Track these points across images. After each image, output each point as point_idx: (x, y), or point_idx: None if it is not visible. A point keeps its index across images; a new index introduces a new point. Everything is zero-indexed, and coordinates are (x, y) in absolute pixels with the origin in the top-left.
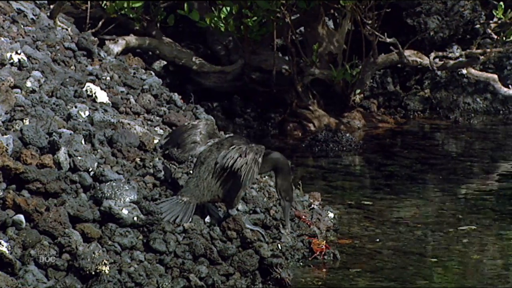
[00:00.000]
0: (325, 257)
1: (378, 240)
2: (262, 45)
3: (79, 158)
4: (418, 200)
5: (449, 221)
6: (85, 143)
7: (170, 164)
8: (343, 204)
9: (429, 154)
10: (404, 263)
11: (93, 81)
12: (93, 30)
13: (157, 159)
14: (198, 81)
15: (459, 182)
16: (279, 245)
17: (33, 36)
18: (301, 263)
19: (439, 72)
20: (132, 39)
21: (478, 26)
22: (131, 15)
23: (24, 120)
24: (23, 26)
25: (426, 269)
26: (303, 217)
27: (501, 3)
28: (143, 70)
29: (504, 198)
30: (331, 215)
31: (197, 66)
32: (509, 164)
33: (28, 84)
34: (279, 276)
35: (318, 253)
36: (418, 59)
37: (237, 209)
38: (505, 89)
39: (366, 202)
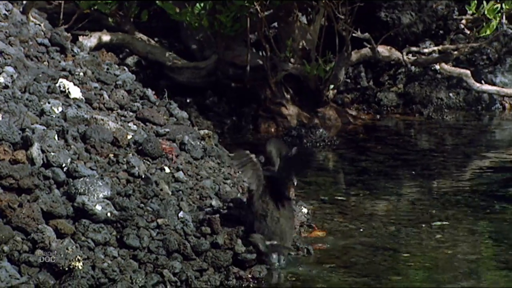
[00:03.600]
0: (299, 252)
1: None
2: (235, 41)
3: (52, 154)
4: (392, 195)
5: (422, 216)
6: (58, 138)
7: (144, 160)
8: (316, 200)
9: (403, 150)
10: (378, 258)
11: (66, 77)
12: (66, 26)
13: (130, 154)
14: (172, 76)
15: (432, 178)
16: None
17: (5, 32)
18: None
19: (412, 68)
20: (105, 34)
21: (451, 21)
22: (104, 11)
23: None
24: None
25: (399, 264)
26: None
27: None
28: (117, 66)
29: (477, 193)
30: (304, 210)
31: (170, 61)
32: (482, 160)
33: (1, 79)
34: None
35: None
36: (391, 55)
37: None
38: (478, 84)
39: (339, 198)
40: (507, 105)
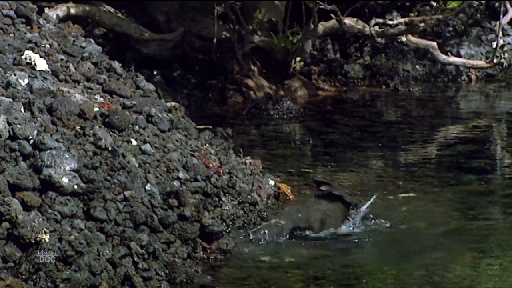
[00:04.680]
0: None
1: None
2: (202, 13)
3: (18, 126)
4: (358, 167)
5: (389, 188)
6: (24, 111)
7: (111, 132)
8: (283, 172)
9: (369, 122)
10: (343, 228)
11: (32, 49)
12: None
13: (97, 127)
14: (138, 48)
15: (398, 150)
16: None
17: None
18: (242, 231)
19: (379, 40)
20: (71, 6)
21: None
22: None
23: None
24: None
25: (368, 235)
26: (211, 165)
27: None
28: (83, 38)
29: (443, 165)
30: (272, 182)
31: (137, 33)
32: (448, 132)
33: None
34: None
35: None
36: (358, 26)
37: None
38: (444, 56)
39: (306, 170)
40: (473, 77)
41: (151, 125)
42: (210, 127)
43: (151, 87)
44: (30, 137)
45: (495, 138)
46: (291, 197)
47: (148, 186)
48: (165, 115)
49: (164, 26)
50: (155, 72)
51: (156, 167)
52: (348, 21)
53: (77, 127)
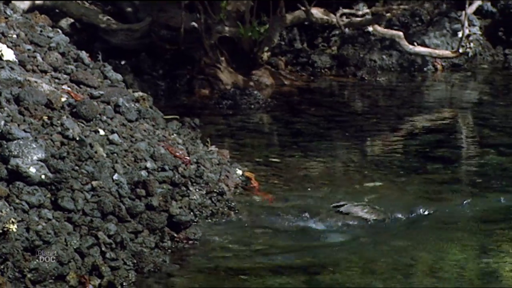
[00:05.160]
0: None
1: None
2: (169, 3)
3: None
4: (325, 157)
5: (356, 177)
6: None
7: (78, 123)
8: (251, 162)
9: (336, 111)
10: (312, 219)
11: None
12: None
13: (65, 117)
14: (106, 39)
15: (365, 139)
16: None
17: None
18: (209, 221)
19: (346, 30)
20: None
21: None
22: None
23: None
24: None
25: (332, 226)
26: (177, 153)
27: None
28: (50, 28)
29: (409, 154)
30: (239, 172)
31: (104, 24)
32: (415, 121)
33: None
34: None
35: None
36: (325, 17)
37: None
38: (411, 46)
39: (274, 159)
40: (439, 66)
41: (119, 115)
42: (178, 117)
43: (119, 77)
44: None
45: (460, 128)
46: (256, 185)
47: (115, 176)
48: (133, 105)
49: (132, 16)
50: (122, 62)
51: (124, 157)
52: (315, 11)
53: (45, 117)
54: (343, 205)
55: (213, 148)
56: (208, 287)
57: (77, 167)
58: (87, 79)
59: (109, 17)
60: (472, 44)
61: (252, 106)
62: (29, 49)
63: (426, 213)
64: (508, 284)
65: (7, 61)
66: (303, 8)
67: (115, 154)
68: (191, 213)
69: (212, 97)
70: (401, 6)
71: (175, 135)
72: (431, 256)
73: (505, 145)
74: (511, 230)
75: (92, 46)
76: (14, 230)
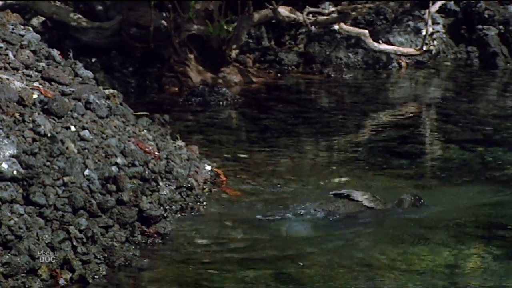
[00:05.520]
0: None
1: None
2: (139, 2)
3: None
4: (293, 152)
5: (322, 173)
6: None
7: (50, 119)
8: (220, 157)
9: (303, 108)
10: (279, 214)
11: None
12: None
13: (36, 114)
14: (77, 37)
15: (332, 135)
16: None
17: None
18: (179, 215)
19: (312, 28)
20: None
21: None
22: None
23: None
24: None
25: (298, 219)
26: (147, 149)
27: None
28: (22, 26)
29: (374, 150)
30: (208, 167)
31: (75, 22)
32: (380, 117)
33: None
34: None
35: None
36: (292, 15)
37: None
38: (376, 44)
39: (242, 155)
40: (403, 64)
41: (90, 111)
42: (148, 113)
43: (90, 74)
44: None
45: (424, 123)
46: (224, 179)
47: (86, 172)
48: (103, 101)
49: (102, 14)
50: (93, 60)
51: (95, 153)
52: (282, 10)
53: (16, 114)
54: (342, 193)
55: (180, 142)
56: (178, 281)
57: (48, 163)
58: (58, 77)
59: (80, 16)
60: (435, 42)
61: (221, 103)
62: (0, 47)
63: (392, 207)
64: (471, 278)
65: None
66: (270, 7)
67: (86, 150)
68: (161, 207)
69: (181, 94)
70: (367, 5)
71: (145, 131)
72: (399, 251)
73: (468, 140)
74: (474, 225)
75: (63, 44)
76: None
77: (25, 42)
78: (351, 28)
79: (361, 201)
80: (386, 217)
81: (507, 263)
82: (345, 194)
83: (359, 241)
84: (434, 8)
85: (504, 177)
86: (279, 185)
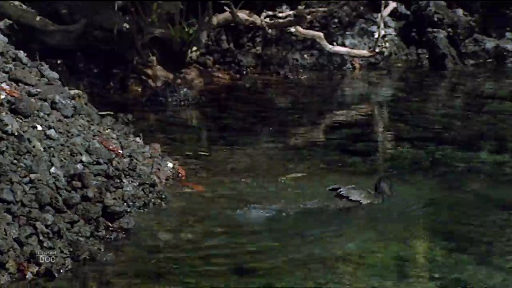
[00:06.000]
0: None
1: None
2: (103, 5)
3: None
4: (251, 150)
5: (280, 169)
6: None
7: (17, 119)
8: (181, 155)
9: (261, 108)
10: (238, 209)
11: None
12: None
13: (3, 113)
14: (43, 39)
15: (288, 133)
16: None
17: None
18: (141, 211)
19: (269, 30)
20: None
21: None
22: None
23: None
24: None
25: (257, 216)
26: (111, 147)
27: None
28: None
29: (330, 147)
30: (170, 165)
31: (41, 25)
32: (334, 116)
33: None
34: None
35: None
36: (250, 18)
37: None
38: (330, 46)
39: (203, 153)
40: (357, 65)
41: (55, 111)
42: (112, 113)
43: (55, 75)
44: None
45: (377, 122)
46: (183, 174)
47: (52, 169)
48: (69, 102)
49: (68, 18)
50: (59, 62)
51: (60, 151)
52: (240, 13)
53: None
54: (338, 188)
55: (138, 139)
56: (141, 274)
57: (16, 161)
58: (25, 78)
59: (46, 19)
60: (387, 44)
61: (182, 103)
62: None
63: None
64: (421, 270)
65: None
66: (229, 10)
67: (52, 149)
68: (125, 203)
69: (144, 94)
70: (321, 9)
71: (109, 130)
72: (353, 245)
73: (418, 138)
74: (425, 219)
75: (30, 46)
76: None
77: None
78: (307, 31)
79: (359, 200)
80: (349, 213)
81: (456, 256)
82: (344, 194)
83: (320, 236)
84: (386, 11)
85: (453, 173)
86: (238, 181)
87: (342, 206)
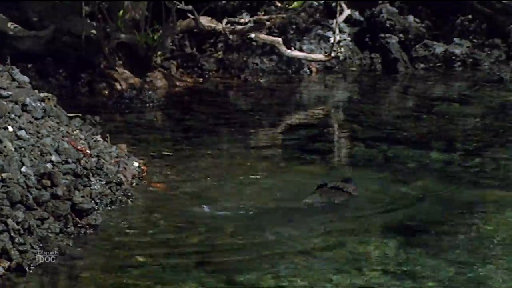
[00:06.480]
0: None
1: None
2: (72, 12)
3: None
4: (213, 150)
5: (241, 168)
6: None
7: None
8: (146, 155)
9: (223, 110)
10: (200, 208)
11: None
12: None
13: None
14: (14, 45)
15: (249, 134)
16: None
17: None
18: (109, 208)
19: (230, 36)
20: None
21: None
22: None
23: None
24: None
25: (221, 211)
26: (79, 147)
27: None
28: None
29: (289, 148)
30: (136, 164)
31: (12, 31)
32: (293, 118)
33: None
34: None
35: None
36: (212, 25)
37: None
38: (289, 50)
39: (167, 153)
40: (313, 69)
41: (26, 113)
42: (80, 115)
43: (26, 79)
44: None
45: (333, 123)
46: (145, 170)
47: (23, 169)
48: (39, 104)
49: (37, 24)
50: (29, 66)
51: (31, 151)
52: (203, 19)
53: None
54: (326, 184)
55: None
56: (108, 268)
57: None
58: None
59: (16, 25)
60: (342, 49)
61: (147, 105)
62: None
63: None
64: (374, 264)
65: None
66: (192, 17)
67: (23, 149)
68: (92, 201)
69: (111, 97)
70: (280, 15)
71: (77, 131)
72: (310, 241)
73: (372, 138)
74: (379, 216)
75: (1, 51)
76: None
77: None
78: (266, 36)
79: (350, 192)
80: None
81: (408, 251)
82: (338, 186)
83: (281, 232)
84: (341, 18)
85: (404, 172)
86: (200, 180)
87: (338, 199)
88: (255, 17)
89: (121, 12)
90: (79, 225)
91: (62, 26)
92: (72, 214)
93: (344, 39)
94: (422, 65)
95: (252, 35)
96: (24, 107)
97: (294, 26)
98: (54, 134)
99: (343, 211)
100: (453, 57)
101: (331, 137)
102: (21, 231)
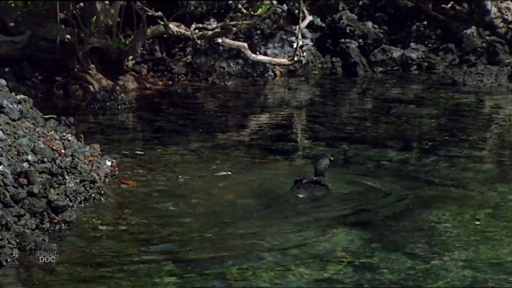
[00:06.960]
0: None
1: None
2: (47, 18)
3: None
4: (182, 150)
5: (208, 167)
6: None
7: None
8: (119, 154)
9: (191, 111)
10: (171, 203)
11: None
12: None
13: None
14: None
15: (216, 134)
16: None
17: None
18: (83, 205)
19: (198, 41)
20: None
21: (231, 2)
22: None
23: None
24: None
25: (190, 208)
26: (54, 147)
27: None
28: None
29: (254, 147)
30: (108, 163)
31: None
32: (258, 119)
33: None
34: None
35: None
36: (181, 30)
37: None
38: (254, 55)
39: (138, 152)
40: (278, 72)
41: (3, 115)
42: (55, 116)
43: (3, 82)
44: None
45: (296, 124)
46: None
47: (1, 167)
48: (16, 106)
49: (14, 29)
50: (6, 69)
51: (8, 151)
52: (172, 25)
53: None
54: (303, 178)
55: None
56: (82, 262)
57: None
58: None
59: None
60: (305, 53)
61: (119, 107)
62: None
63: (272, 198)
64: (340, 257)
65: None
66: (162, 23)
67: (0, 149)
68: (67, 198)
69: (85, 99)
70: (246, 21)
71: (52, 132)
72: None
73: (333, 138)
74: (341, 211)
75: None
76: None
77: None
78: (232, 41)
79: (328, 187)
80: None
81: (368, 245)
82: (317, 180)
83: (237, 225)
84: (303, 24)
85: (363, 170)
86: (170, 178)
87: (318, 193)
88: (222, 23)
89: (94, 18)
90: (54, 221)
91: (37, 32)
92: (48, 211)
93: (307, 44)
94: (380, 69)
95: (219, 40)
96: (1, 109)
97: (259, 32)
98: (30, 135)
99: (305, 208)
100: (410, 61)
101: (293, 138)
102: None
